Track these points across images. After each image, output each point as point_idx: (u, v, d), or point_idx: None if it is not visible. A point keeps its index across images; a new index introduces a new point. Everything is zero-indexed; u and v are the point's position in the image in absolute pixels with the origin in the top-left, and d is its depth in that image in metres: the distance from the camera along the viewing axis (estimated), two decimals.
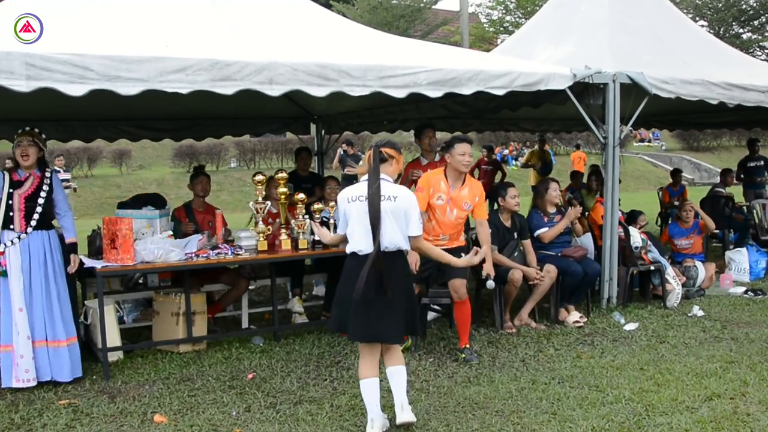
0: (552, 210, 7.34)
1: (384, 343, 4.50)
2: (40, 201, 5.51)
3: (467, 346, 6.00)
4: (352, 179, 16.81)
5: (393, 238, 4.38)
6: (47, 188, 5.57)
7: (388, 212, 4.35)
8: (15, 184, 5.47)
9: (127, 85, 5.21)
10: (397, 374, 4.52)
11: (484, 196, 6.11)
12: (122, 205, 6.99)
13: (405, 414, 4.48)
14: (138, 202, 7.02)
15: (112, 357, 6.00)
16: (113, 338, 6.01)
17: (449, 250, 5.59)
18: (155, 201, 6.98)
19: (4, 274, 5.37)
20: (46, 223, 5.58)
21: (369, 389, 4.44)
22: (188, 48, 5.59)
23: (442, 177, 5.96)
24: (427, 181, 6.00)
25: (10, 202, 5.42)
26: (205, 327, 6.53)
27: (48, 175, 5.63)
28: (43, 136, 5.67)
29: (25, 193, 5.47)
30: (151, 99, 5.69)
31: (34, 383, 5.42)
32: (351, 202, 4.44)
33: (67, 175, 15.81)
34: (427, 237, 5.65)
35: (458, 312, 5.99)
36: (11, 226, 5.43)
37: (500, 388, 5.26)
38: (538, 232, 7.21)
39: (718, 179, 12.57)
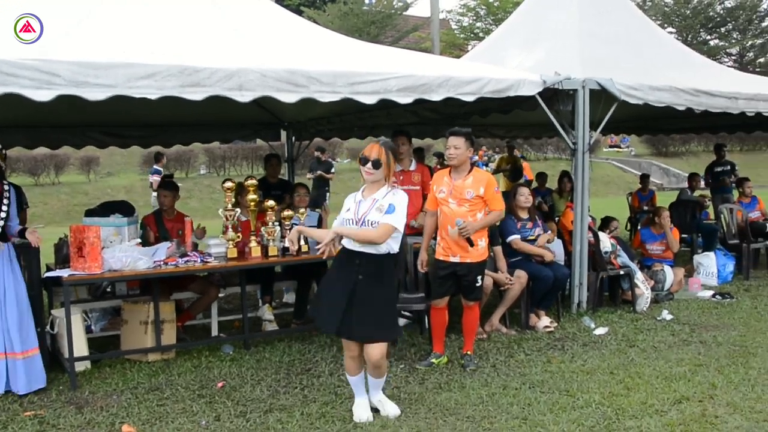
0: (524, 216, 7.36)
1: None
2: (2, 215, 5.42)
3: (469, 352, 6.03)
4: (323, 185, 16.74)
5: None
6: (7, 201, 5.47)
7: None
8: None
9: (95, 90, 5.14)
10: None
11: (494, 187, 5.91)
12: (90, 213, 6.92)
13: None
14: (106, 209, 6.94)
15: (80, 367, 5.92)
16: (80, 348, 5.93)
17: (467, 264, 5.80)
18: (123, 208, 6.92)
19: None
20: (5, 235, 5.47)
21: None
22: (157, 53, 5.53)
23: (446, 172, 5.97)
24: (433, 181, 6.10)
25: None
26: (174, 335, 6.46)
27: (6, 188, 5.52)
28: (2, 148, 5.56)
29: None
30: (120, 105, 5.63)
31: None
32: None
33: (158, 177, 15.64)
34: (440, 233, 5.84)
35: (466, 317, 6.06)
36: None
37: (471, 394, 5.27)
38: (510, 238, 7.22)
39: (686, 184, 12.72)
